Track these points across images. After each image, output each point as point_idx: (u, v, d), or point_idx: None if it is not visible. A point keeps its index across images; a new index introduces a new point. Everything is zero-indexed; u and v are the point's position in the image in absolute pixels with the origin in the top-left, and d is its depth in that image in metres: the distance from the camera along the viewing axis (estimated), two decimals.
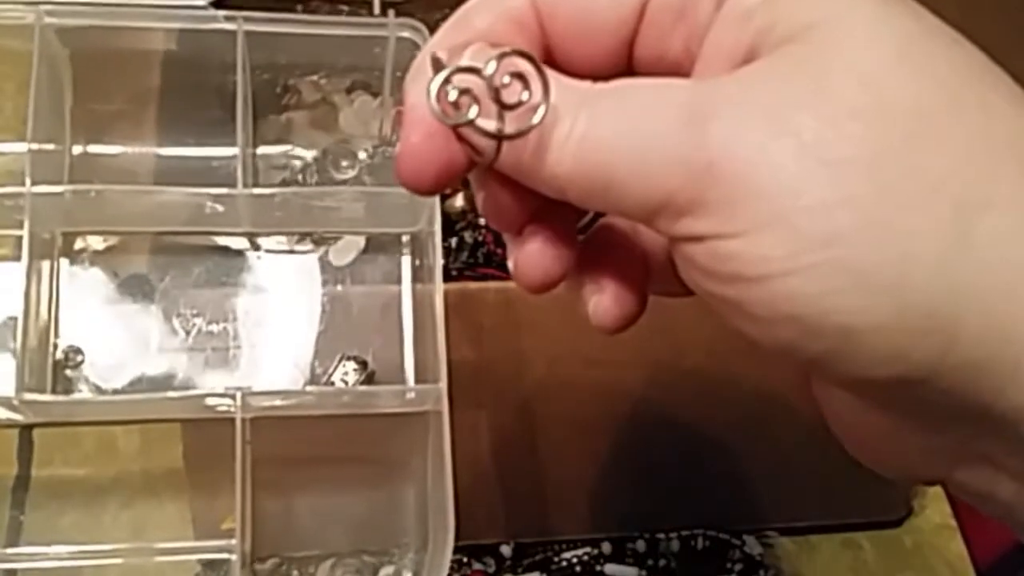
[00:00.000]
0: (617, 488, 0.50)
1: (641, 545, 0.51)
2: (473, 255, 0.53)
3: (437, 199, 0.45)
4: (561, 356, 0.48)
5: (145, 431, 0.47)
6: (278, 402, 0.43)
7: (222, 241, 0.49)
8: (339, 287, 0.49)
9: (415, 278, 0.50)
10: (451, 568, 0.50)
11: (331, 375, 0.48)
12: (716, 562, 0.51)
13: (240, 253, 0.49)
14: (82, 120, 0.49)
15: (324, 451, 0.47)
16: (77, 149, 0.49)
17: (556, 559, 0.50)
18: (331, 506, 0.47)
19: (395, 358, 0.48)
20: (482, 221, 0.54)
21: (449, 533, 0.40)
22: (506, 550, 0.50)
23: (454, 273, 0.53)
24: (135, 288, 0.48)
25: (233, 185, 0.45)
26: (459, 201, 0.55)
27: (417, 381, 0.47)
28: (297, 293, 0.49)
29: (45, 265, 0.46)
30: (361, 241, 0.51)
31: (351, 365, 0.47)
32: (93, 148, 0.49)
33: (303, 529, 0.47)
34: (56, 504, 0.45)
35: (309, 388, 0.46)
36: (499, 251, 0.53)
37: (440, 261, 0.44)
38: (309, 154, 0.52)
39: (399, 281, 0.50)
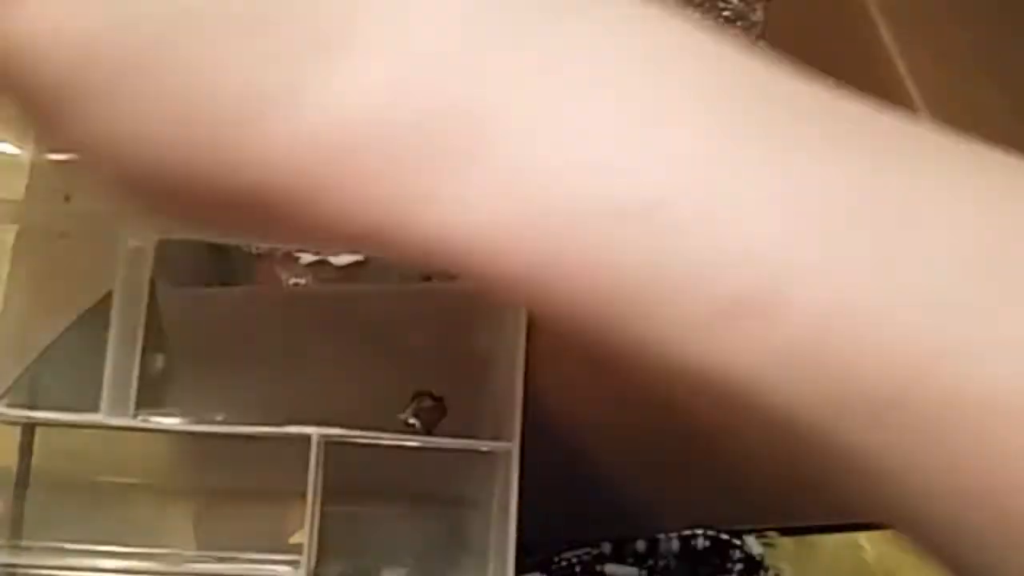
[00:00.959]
0: (617, 488, 0.50)
1: (641, 545, 0.51)
2: None
3: None
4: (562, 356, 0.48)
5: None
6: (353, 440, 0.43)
7: None
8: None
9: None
10: None
11: (407, 414, 0.47)
12: (716, 562, 0.51)
13: None
14: None
15: (390, 478, 0.47)
16: None
17: (556, 559, 0.50)
18: (392, 531, 0.47)
19: (469, 395, 0.48)
20: None
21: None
22: None
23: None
24: None
25: None
26: None
27: (490, 420, 0.47)
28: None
29: None
30: None
31: (426, 402, 0.47)
32: None
33: (363, 548, 0.47)
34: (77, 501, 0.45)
35: (385, 435, 0.45)
36: None
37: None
38: None
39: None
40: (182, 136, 0.17)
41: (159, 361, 0.46)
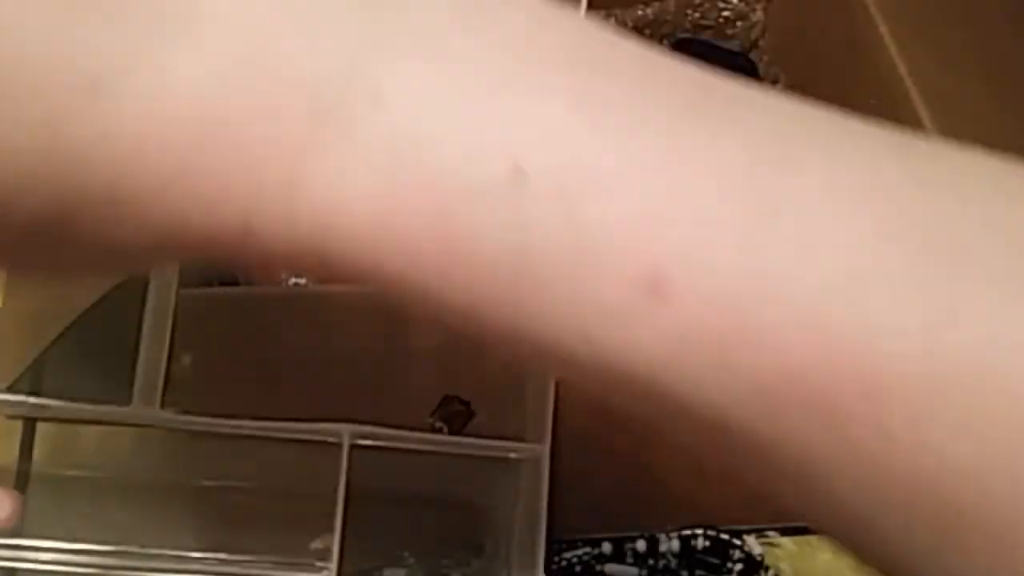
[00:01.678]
0: (617, 488, 0.50)
1: (641, 545, 0.51)
2: None
3: None
4: None
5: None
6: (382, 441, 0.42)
7: None
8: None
9: None
10: (450, 566, 0.50)
11: (435, 416, 0.47)
12: (716, 562, 0.51)
13: None
14: None
15: (414, 483, 0.47)
16: None
17: (556, 559, 0.50)
18: (413, 535, 0.47)
19: (497, 400, 0.47)
20: None
21: None
22: None
23: None
24: None
25: None
26: None
27: (516, 421, 0.46)
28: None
29: None
30: None
31: (455, 406, 0.47)
32: None
33: (383, 553, 0.47)
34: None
35: (415, 434, 0.44)
36: None
37: None
38: None
39: None
40: None
41: (186, 359, 0.46)
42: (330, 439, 0.42)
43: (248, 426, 0.42)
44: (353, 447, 0.42)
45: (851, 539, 0.19)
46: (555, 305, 0.16)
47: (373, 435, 0.42)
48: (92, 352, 0.45)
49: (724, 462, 0.18)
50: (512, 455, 0.44)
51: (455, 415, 0.47)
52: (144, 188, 0.15)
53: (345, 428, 0.42)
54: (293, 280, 0.52)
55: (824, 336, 0.16)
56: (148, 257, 0.19)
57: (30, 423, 0.47)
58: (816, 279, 0.16)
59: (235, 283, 0.52)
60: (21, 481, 0.45)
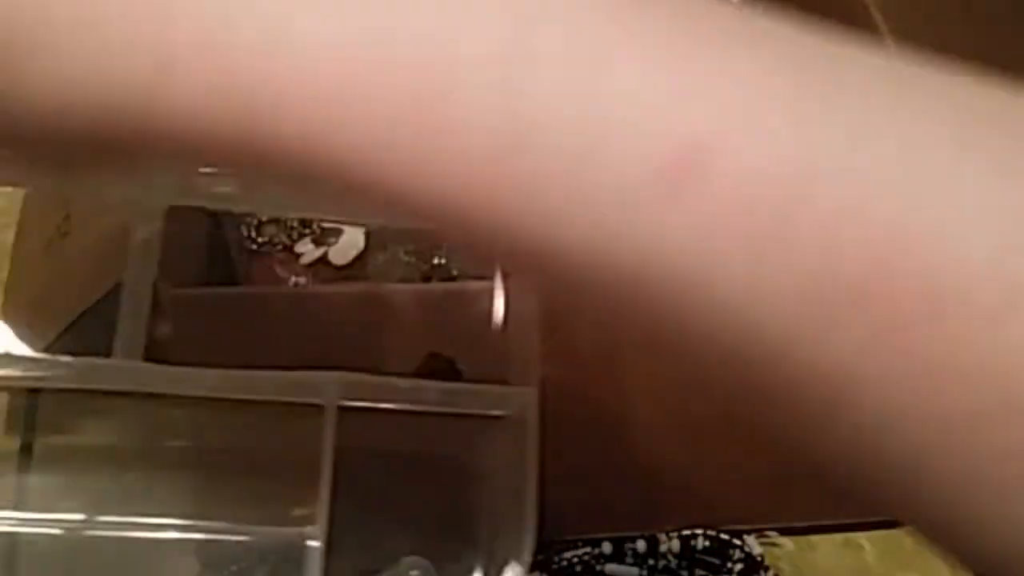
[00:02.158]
0: (617, 488, 0.50)
1: (641, 545, 0.51)
2: None
3: None
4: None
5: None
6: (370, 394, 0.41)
7: None
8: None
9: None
10: None
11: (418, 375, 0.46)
12: (716, 562, 0.51)
13: None
14: None
15: (405, 447, 0.46)
16: None
17: (556, 559, 0.50)
18: (405, 503, 0.46)
19: (483, 359, 0.46)
20: None
21: (526, 546, 0.39)
22: None
23: (455, 273, 0.53)
24: None
25: None
26: None
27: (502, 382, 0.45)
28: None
29: None
30: None
31: (439, 363, 0.46)
32: None
33: (373, 524, 0.46)
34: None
35: (400, 381, 0.43)
36: None
37: None
38: None
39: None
40: None
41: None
42: (315, 400, 0.41)
43: (234, 377, 0.41)
44: (340, 409, 0.41)
45: (893, 464, 0.16)
46: (559, 193, 0.14)
47: (360, 385, 0.41)
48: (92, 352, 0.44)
49: (736, 386, 0.16)
50: (498, 412, 0.42)
51: (438, 373, 0.46)
52: (58, 29, 0.14)
53: (332, 376, 0.40)
54: (293, 280, 0.52)
55: (884, 232, 0.14)
56: (54, 121, 0.16)
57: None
58: (877, 169, 0.14)
59: (236, 283, 0.52)
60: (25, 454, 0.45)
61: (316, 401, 0.42)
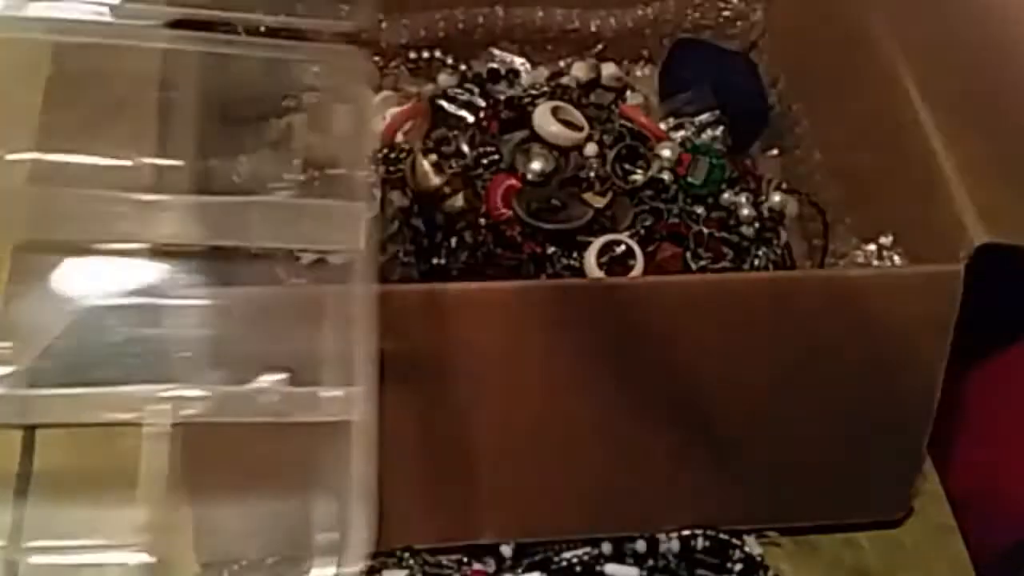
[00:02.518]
0: (617, 488, 0.50)
1: (641, 545, 0.51)
2: (473, 255, 0.53)
3: None
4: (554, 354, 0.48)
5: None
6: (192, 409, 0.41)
7: None
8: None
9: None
10: (451, 568, 0.50)
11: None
12: (716, 562, 0.51)
13: None
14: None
15: (243, 459, 0.46)
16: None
17: (556, 559, 0.50)
18: (247, 514, 0.46)
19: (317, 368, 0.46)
20: (482, 221, 0.54)
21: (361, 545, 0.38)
22: (506, 550, 0.50)
23: (455, 273, 0.53)
24: None
25: None
26: (459, 201, 0.55)
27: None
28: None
29: None
30: None
31: (273, 375, 0.45)
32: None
33: (217, 535, 0.47)
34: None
35: (227, 388, 0.42)
36: (499, 251, 0.53)
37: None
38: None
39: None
40: None
41: None
42: None
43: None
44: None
45: None
46: None
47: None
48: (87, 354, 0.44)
49: None
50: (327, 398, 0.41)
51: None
52: None
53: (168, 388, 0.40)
54: (293, 280, 0.52)
55: None
56: None
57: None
58: None
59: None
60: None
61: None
